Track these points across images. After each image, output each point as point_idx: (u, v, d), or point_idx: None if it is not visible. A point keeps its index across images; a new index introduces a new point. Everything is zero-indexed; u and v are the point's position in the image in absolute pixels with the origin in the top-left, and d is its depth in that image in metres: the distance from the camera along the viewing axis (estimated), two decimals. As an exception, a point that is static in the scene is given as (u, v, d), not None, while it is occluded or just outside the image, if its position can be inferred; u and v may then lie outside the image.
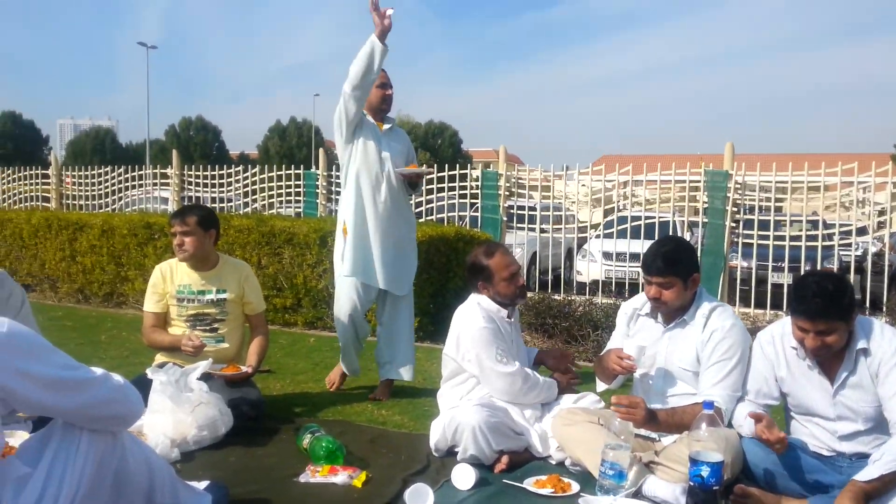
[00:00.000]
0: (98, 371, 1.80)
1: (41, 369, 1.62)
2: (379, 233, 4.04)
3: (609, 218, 8.84)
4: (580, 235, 9.33)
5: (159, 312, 3.63)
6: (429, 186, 9.10)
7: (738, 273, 7.50)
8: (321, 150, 9.34)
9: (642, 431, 2.83)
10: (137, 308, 7.59)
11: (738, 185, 7.37)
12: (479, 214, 8.74)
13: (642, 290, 2.99)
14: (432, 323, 6.63)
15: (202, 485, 2.53)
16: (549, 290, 8.36)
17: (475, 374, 3.09)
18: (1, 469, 1.59)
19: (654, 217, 8.06)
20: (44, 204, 11.92)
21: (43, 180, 11.86)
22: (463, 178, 8.93)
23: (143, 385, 3.20)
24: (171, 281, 3.61)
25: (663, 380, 2.88)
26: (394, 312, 4.24)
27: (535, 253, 9.72)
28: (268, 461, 2.91)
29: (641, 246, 8.35)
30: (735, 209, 7.36)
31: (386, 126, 4.19)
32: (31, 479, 1.64)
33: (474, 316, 3.11)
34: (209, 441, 3.02)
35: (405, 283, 4.23)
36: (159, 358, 3.69)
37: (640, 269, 2.96)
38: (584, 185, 9.14)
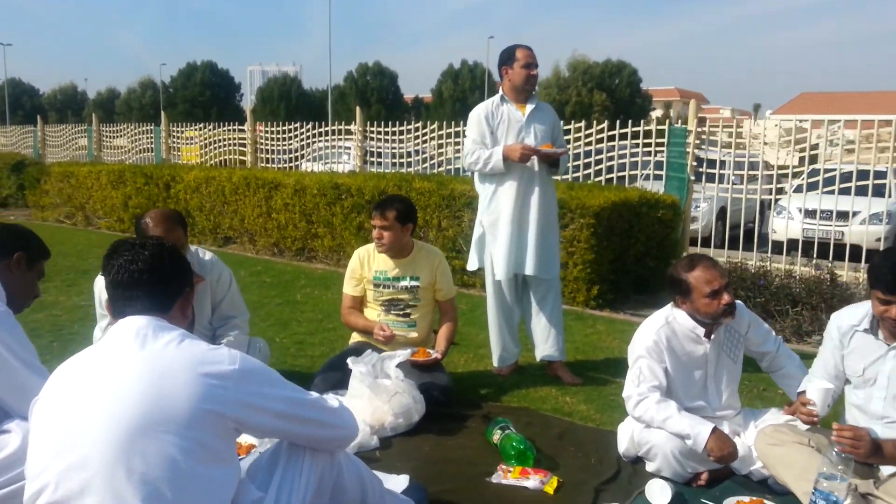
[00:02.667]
0: (313, 394, 1.90)
1: (270, 403, 1.74)
2: (522, 220, 4.01)
3: (813, 166, 8.00)
4: (778, 185, 8.49)
5: (356, 296, 3.80)
6: (611, 141, 8.76)
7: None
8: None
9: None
10: (327, 263, 8.07)
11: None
12: (663, 173, 8.32)
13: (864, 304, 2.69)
14: (611, 290, 6.48)
15: (402, 481, 2.65)
16: (741, 249, 7.84)
17: None
18: (239, 492, 1.73)
19: (868, 169, 7.23)
20: (241, 158, 12.85)
21: (240, 135, 12.74)
22: (647, 134, 8.49)
23: (343, 368, 3.40)
24: (367, 266, 3.76)
25: (885, 402, 2.60)
26: (545, 295, 4.17)
27: (722, 208, 9.14)
28: (460, 454, 2.99)
29: (851, 204, 7.67)
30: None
31: (529, 106, 4.06)
32: (263, 502, 1.78)
33: (650, 328, 2.94)
34: (404, 428, 3.16)
35: (553, 266, 4.15)
36: (355, 336, 3.90)
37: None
38: (777, 126, 8.44)
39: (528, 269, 4.01)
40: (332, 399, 1.95)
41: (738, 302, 3.02)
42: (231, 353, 1.72)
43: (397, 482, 2.65)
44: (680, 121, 8.51)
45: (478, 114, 4.09)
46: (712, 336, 2.93)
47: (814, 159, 8.02)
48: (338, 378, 3.45)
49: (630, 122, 8.67)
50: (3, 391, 2.33)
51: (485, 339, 4.48)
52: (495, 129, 4.04)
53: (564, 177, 8.91)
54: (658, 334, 2.89)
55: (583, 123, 9.00)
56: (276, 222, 8.51)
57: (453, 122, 10.20)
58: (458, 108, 50.64)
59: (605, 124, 8.98)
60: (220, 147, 13.16)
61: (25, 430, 2.30)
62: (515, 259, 4.01)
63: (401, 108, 56.05)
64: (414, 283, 3.74)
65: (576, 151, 8.94)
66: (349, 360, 3.22)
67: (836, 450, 2.40)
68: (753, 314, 3.10)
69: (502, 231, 4.01)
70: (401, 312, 3.75)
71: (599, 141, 8.87)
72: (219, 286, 3.53)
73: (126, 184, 10.37)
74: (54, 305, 5.58)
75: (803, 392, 2.85)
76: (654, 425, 2.77)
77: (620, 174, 8.74)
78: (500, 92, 4.13)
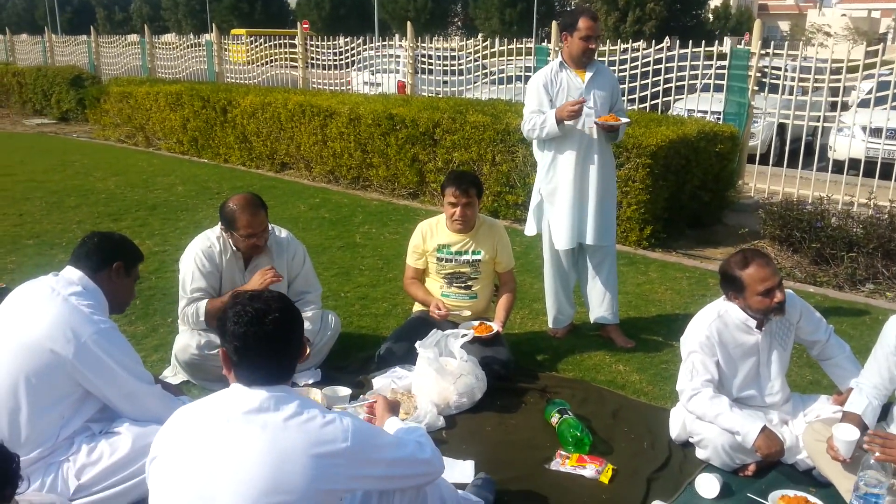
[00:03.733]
0: (409, 445, 2.06)
1: (376, 469, 1.93)
2: (582, 189, 4.07)
3: (885, 74, 7.63)
4: (844, 98, 8.13)
5: (419, 268, 3.97)
6: (666, 58, 8.50)
7: None
8: (553, 24, 8.96)
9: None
10: (381, 192, 8.24)
11: None
12: (723, 96, 8.08)
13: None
14: (664, 229, 6.52)
15: (468, 468, 2.90)
16: (800, 167, 7.65)
17: None
18: None
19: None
20: (290, 71, 12.84)
21: (290, 49, 12.69)
22: (709, 56, 8.18)
23: (409, 339, 3.61)
24: (431, 241, 3.90)
25: None
26: (602, 260, 4.27)
27: (781, 123, 8.85)
28: (520, 436, 3.21)
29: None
30: None
31: (588, 73, 4.04)
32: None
33: (702, 322, 3.05)
34: (468, 406, 3.39)
35: (610, 233, 4.24)
36: (417, 307, 4.10)
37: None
38: (844, 16, 8.06)
39: (588, 238, 4.11)
40: (427, 447, 2.11)
41: (789, 291, 3.08)
42: (343, 427, 1.86)
43: (464, 469, 2.91)
44: (741, 7, 8.15)
45: (536, 82, 4.08)
46: (763, 327, 3.04)
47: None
48: (404, 350, 3.68)
49: (691, 42, 8.37)
50: (114, 398, 2.61)
51: (540, 290, 4.64)
52: (554, 96, 4.04)
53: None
54: (710, 329, 3.01)
55: (641, 44, 8.74)
56: (331, 150, 8.64)
57: (505, 40, 9.99)
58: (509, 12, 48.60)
59: (664, 44, 8.70)
60: (269, 62, 13.19)
61: (135, 433, 2.59)
62: (577, 228, 4.10)
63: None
64: (476, 257, 3.88)
65: (633, 72, 8.73)
66: (417, 345, 3.42)
67: (871, 458, 2.54)
68: (805, 303, 3.17)
69: (562, 201, 4.09)
70: (462, 285, 3.92)
71: (658, 60, 8.62)
72: (294, 263, 3.74)
73: (184, 106, 10.54)
74: (131, 252, 5.88)
75: (842, 412, 2.94)
76: (705, 420, 2.94)
77: (678, 97, 8.55)
78: (559, 57, 4.10)
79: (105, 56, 17.09)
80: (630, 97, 8.64)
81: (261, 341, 1.85)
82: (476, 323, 3.79)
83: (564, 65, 4.05)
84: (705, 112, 8.15)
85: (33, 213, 7.02)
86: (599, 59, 4.44)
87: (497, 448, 3.11)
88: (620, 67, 8.72)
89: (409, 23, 11.00)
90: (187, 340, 3.54)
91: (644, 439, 3.19)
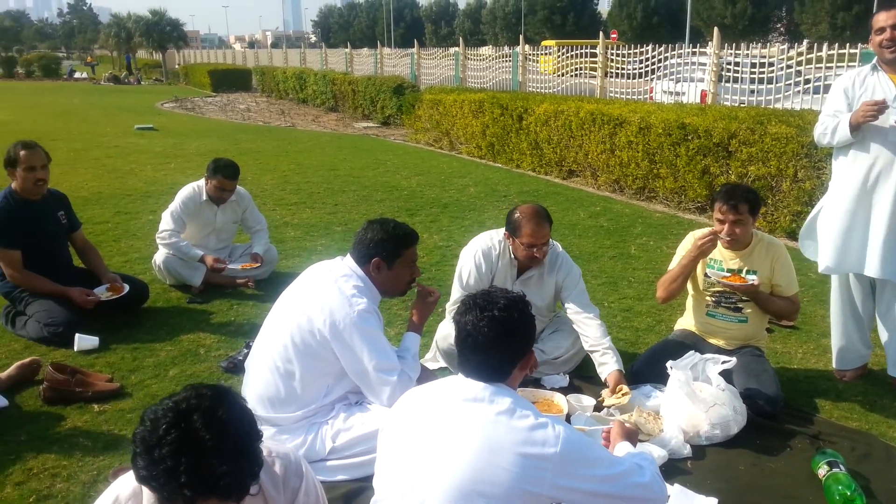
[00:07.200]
0: (626, 463, 1.95)
1: (585, 484, 1.85)
2: (868, 206, 3.47)
3: None
4: None
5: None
6: None
7: None
8: None
9: None
10: (667, 205, 7.92)
11: None
12: None
13: None
14: None
15: (710, 503, 2.66)
16: None
17: None
18: None
19: None
20: (590, 81, 12.88)
21: (591, 58, 12.74)
22: None
23: (665, 358, 3.39)
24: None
25: None
26: (892, 302, 3.60)
27: None
28: (778, 483, 2.86)
29: None
30: None
31: None
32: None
33: None
34: (720, 439, 3.10)
35: None
36: (681, 323, 3.87)
37: None
38: None
39: (868, 269, 3.51)
40: (647, 471, 1.97)
41: None
42: (555, 433, 1.82)
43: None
44: None
45: (839, 84, 3.62)
46: None
47: None
48: (659, 368, 3.48)
49: None
50: (352, 375, 2.81)
51: (829, 326, 4.09)
52: (854, 101, 3.53)
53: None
54: None
55: None
56: (618, 159, 8.51)
57: (835, 45, 8.97)
58: (840, 2, 43.34)
59: None
60: (571, 70, 13.37)
61: (385, 411, 2.78)
62: (854, 253, 3.54)
63: (770, 4, 49.95)
64: (751, 276, 3.54)
65: None
66: (668, 364, 3.23)
67: None
68: None
69: (837, 217, 3.56)
70: (731, 306, 3.60)
71: None
72: (567, 281, 3.73)
73: (484, 113, 11.14)
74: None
75: None
76: None
77: None
78: (875, 59, 3.57)
79: (425, 67, 18.72)
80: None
81: (480, 332, 1.89)
82: (727, 273, 3.50)
83: (878, 67, 3.52)
84: None
85: (346, 204, 7.94)
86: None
87: (747, 490, 2.81)
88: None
89: (715, 28, 10.40)
90: (449, 330, 3.70)
91: (937, 515, 2.66)
